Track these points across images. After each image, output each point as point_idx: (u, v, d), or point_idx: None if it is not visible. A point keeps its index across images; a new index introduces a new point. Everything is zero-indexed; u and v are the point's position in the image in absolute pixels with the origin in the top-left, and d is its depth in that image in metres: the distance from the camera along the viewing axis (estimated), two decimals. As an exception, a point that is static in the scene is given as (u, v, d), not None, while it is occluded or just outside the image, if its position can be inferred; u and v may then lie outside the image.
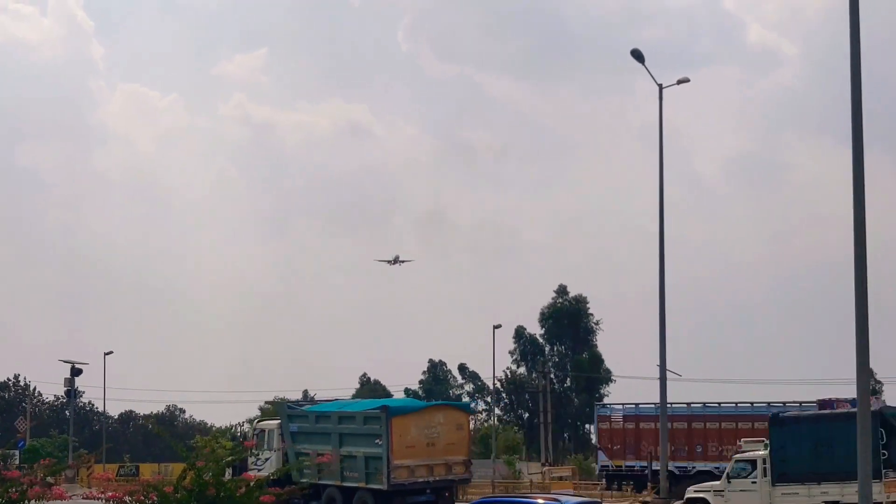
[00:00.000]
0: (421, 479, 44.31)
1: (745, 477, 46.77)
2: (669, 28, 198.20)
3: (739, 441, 54.15)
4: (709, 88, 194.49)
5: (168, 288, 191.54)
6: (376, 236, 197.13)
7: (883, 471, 42.39)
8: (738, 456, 49.24)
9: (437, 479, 44.86)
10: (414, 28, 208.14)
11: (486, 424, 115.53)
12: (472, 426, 48.26)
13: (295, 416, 49.56)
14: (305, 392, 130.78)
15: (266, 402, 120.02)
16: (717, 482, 47.66)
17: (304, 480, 41.29)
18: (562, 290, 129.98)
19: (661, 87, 48.39)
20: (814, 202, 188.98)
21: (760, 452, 46.96)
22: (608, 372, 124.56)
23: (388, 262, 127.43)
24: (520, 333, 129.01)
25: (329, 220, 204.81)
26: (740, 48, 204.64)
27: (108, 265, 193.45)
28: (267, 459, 47.70)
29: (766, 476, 45.80)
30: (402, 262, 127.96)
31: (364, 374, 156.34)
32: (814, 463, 45.28)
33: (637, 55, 47.63)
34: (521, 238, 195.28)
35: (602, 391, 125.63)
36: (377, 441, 44.04)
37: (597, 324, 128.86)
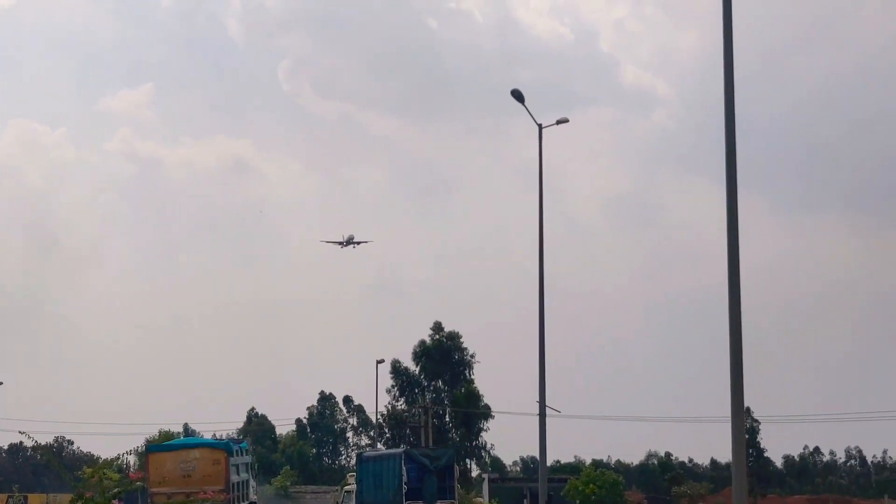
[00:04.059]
0: None
1: None
2: (547, 69, 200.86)
3: (347, 475, 72.15)
4: (586, 129, 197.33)
5: (56, 320, 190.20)
6: (262, 271, 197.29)
7: (407, 502, 52.99)
8: (346, 487, 63.81)
9: None
10: (296, 67, 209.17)
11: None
12: (229, 462, 53.85)
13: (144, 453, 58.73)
14: (186, 426, 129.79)
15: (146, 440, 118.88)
16: None
17: None
18: (437, 327, 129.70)
19: (540, 127, 48.47)
20: (687, 241, 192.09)
21: (353, 485, 60.15)
22: (487, 407, 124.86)
23: (339, 243, 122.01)
24: (397, 368, 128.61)
25: (216, 254, 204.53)
26: (616, 89, 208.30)
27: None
28: None
29: None
30: (357, 243, 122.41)
31: (252, 409, 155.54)
32: (374, 494, 56.77)
33: (517, 95, 47.79)
34: (404, 274, 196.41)
35: (481, 426, 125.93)
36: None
37: (472, 356, 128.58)
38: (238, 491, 56.47)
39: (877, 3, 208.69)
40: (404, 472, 53.94)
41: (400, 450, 60.73)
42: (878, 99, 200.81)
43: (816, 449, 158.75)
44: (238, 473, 57.11)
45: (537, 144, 48.62)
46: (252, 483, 62.20)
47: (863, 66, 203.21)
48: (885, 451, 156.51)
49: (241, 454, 59.28)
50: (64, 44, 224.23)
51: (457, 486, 56.63)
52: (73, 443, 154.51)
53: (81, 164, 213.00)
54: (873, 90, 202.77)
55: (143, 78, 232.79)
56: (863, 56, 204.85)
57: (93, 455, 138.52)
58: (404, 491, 53.34)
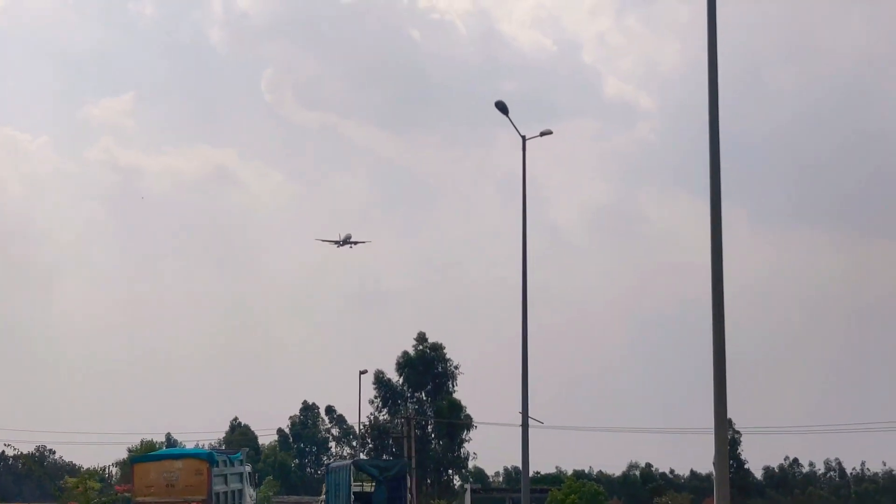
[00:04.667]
0: None
1: None
2: (530, 80, 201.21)
3: (322, 484, 77.09)
4: (569, 140, 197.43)
5: (35, 329, 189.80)
6: (243, 280, 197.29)
7: None
8: (321, 497, 72.57)
9: None
10: (278, 76, 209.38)
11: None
12: (212, 472, 55.12)
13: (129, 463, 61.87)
14: (168, 435, 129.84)
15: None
16: None
17: None
18: (421, 338, 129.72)
19: (524, 138, 48.52)
20: (669, 253, 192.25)
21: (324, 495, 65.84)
22: (469, 418, 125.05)
23: (335, 242, 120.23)
24: (380, 379, 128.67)
25: (198, 263, 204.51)
26: (599, 101, 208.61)
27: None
28: None
29: None
30: (354, 243, 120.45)
31: (235, 419, 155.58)
32: (335, 501, 61.36)
33: (501, 107, 47.72)
34: (387, 284, 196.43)
35: (463, 437, 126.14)
36: None
37: (456, 368, 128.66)
38: (224, 501, 56.91)
39: (862, 17, 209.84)
40: (351, 482, 59.08)
41: (349, 461, 67.66)
42: (861, 112, 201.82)
43: (795, 460, 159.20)
44: (226, 484, 57.55)
45: (520, 156, 48.72)
46: (250, 493, 62.70)
47: (847, 79, 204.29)
48: (863, 463, 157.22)
49: (231, 465, 59.58)
50: (46, 52, 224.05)
51: (409, 496, 59.77)
52: (54, 452, 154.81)
53: (63, 172, 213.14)
54: (857, 104, 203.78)
55: (126, 86, 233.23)
56: (847, 69, 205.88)
57: (74, 465, 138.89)
58: (352, 500, 57.91)
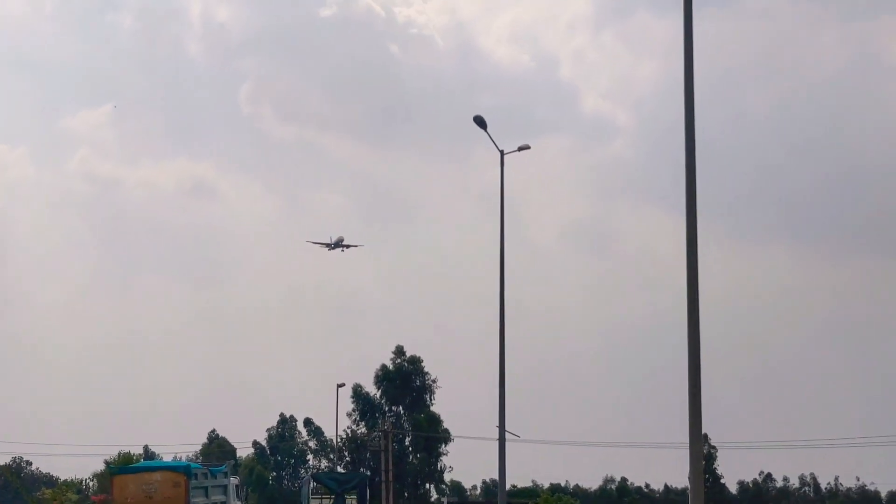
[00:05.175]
0: None
1: None
2: (508, 95, 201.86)
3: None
4: (546, 155, 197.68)
5: (11, 340, 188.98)
6: (221, 293, 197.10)
7: None
8: None
9: None
10: (256, 90, 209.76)
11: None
12: (190, 484, 55.48)
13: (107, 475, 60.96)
14: (146, 447, 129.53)
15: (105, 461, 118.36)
16: None
17: None
18: (399, 351, 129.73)
19: (502, 153, 48.86)
20: (645, 267, 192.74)
21: None
22: (446, 432, 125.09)
23: (327, 245, 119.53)
24: (357, 392, 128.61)
25: (175, 276, 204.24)
26: (576, 117, 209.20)
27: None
28: None
29: None
30: (346, 246, 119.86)
31: (213, 431, 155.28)
32: None
33: (480, 122, 47.95)
34: (364, 298, 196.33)
35: (441, 451, 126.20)
36: None
37: (434, 381, 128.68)
38: None
39: (835, 36, 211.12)
40: (309, 495, 62.72)
41: (309, 474, 72.19)
42: (830, 127, 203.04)
43: (770, 475, 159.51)
44: (206, 496, 57.75)
45: (498, 170, 49.01)
46: None
47: (816, 94, 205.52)
48: (836, 478, 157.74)
49: (212, 477, 59.65)
50: (25, 63, 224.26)
51: None
52: (31, 463, 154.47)
53: (40, 183, 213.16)
54: (830, 122, 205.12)
55: (104, 98, 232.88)
56: (816, 84, 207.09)
57: (52, 476, 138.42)
58: None
